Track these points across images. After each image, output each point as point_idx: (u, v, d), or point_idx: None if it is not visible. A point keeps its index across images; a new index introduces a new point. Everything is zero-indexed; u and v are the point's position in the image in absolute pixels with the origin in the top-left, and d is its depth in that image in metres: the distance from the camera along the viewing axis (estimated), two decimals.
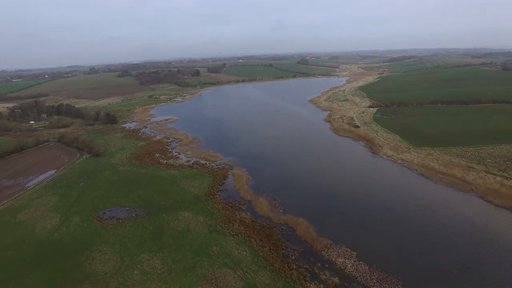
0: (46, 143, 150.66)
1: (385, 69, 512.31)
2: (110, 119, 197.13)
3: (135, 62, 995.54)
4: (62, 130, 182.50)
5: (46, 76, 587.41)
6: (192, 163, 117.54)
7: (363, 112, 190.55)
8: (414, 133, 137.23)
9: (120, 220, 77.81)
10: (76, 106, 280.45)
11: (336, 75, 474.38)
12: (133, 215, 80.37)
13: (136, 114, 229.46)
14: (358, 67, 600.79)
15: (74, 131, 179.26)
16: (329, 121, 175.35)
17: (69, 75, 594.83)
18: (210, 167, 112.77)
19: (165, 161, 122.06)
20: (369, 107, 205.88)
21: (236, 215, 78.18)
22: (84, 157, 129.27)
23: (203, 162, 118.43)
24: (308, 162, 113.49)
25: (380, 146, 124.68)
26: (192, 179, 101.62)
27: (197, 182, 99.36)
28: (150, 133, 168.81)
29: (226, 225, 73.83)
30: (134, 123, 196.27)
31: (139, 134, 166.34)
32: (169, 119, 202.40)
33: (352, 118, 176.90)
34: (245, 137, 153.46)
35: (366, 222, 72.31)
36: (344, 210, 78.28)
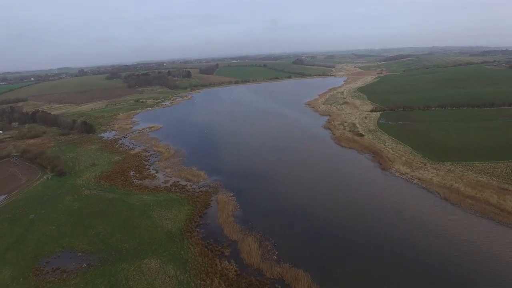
0: (7, 159, 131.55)
1: (383, 69, 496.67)
2: (87, 128, 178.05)
3: (128, 64, 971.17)
4: (31, 141, 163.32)
5: (32, 78, 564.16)
6: (170, 185, 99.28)
7: (365, 117, 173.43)
8: (426, 143, 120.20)
9: (65, 274, 59.51)
10: (57, 111, 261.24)
11: (333, 75, 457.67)
12: (84, 265, 62.06)
13: (118, 120, 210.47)
14: (355, 67, 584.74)
15: (44, 143, 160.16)
16: (329, 128, 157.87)
17: (56, 77, 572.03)
18: (191, 190, 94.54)
19: (139, 181, 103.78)
20: (371, 111, 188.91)
21: (216, 265, 60.13)
22: (45, 176, 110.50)
23: (184, 183, 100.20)
24: (308, 183, 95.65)
25: (391, 161, 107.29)
26: (167, 208, 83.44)
27: (172, 213, 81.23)
28: (128, 144, 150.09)
29: (202, 282, 55.83)
30: (114, 132, 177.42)
31: (116, 146, 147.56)
32: (152, 127, 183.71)
33: (354, 125, 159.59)
34: (234, 149, 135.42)
35: (388, 275, 54.71)
36: (356, 257, 60.53)
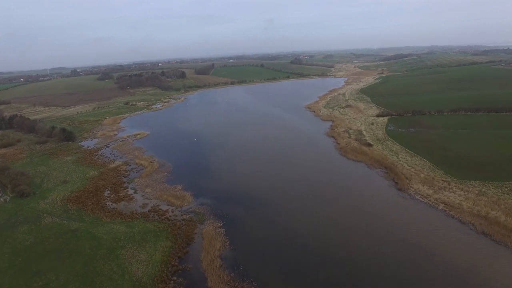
0: None
1: (384, 68, 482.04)
2: (66, 135, 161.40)
3: (123, 64, 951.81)
4: (2, 151, 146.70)
5: (22, 79, 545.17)
6: (149, 210, 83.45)
7: (372, 123, 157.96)
8: (446, 156, 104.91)
9: None
10: (40, 115, 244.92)
11: (332, 75, 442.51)
12: None
13: (103, 126, 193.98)
14: (355, 66, 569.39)
15: (16, 153, 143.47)
16: (333, 136, 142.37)
17: (46, 78, 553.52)
18: (172, 218, 78.69)
19: (113, 205, 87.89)
20: (377, 115, 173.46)
21: None
22: (2, 198, 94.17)
23: (165, 207, 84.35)
24: (314, 209, 79.88)
25: (407, 178, 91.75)
26: (141, 245, 67.53)
27: (146, 251, 65.36)
28: (109, 155, 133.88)
29: None
30: (96, 140, 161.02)
31: (95, 158, 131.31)
32: (138, 134, 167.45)
33: (360, 132, 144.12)
34: (226, 162, 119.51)
35: None
36: None
